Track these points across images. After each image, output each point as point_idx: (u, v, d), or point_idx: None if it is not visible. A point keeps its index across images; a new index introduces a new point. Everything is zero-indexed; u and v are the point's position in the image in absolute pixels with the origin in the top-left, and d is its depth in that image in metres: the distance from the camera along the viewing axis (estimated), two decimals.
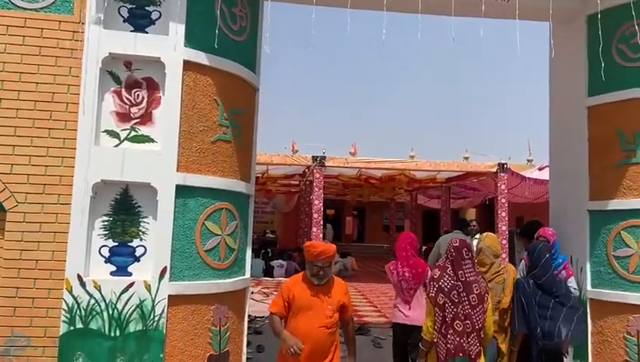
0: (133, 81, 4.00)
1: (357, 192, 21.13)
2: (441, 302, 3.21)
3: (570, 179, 5.18)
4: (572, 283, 4.45)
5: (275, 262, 14.15)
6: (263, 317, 7.95)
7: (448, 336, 3.14)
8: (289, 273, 14.20)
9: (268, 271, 13.98)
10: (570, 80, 5.25)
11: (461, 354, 3.09)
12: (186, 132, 4.00)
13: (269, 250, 16.37)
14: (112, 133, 3.93)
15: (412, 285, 4.25)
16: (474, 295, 3.17)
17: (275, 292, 11.30)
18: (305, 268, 3.55)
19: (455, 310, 3.16)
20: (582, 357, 4.81)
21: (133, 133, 3.97)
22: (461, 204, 22.03)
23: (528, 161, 21.74)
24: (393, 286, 4.46)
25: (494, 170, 12.87)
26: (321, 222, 13.15)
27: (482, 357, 3.25)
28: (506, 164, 12.91)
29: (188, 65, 4.01)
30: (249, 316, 7.97)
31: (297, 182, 19.11)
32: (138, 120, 3.98)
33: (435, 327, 3.23)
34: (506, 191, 12.75)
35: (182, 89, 3.99)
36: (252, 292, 10.95)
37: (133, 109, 3.99)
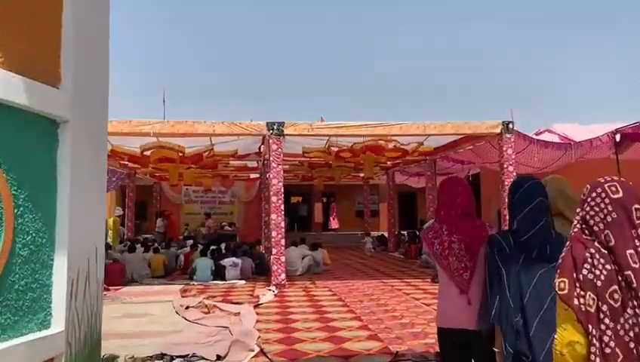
0: None
1: (326, 174, 18.27)
2: (592, 309, 1.51)
3: None
4: None
5: (226, 261, 11.11)
6: (188, 356, 4.94)
7: None
8: (245, 273, 11.27)
9: (218, 272, 11.04)
10: None
11: None
12: None
13: (221, 246, 13.40)
14: None
15: (467, 262, 2.61)
16: None
17: (225, 302, 8.31)
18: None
19: (620, 320, 1.50)
20: None
21: None
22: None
23: None
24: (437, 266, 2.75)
25: (498, 130, 10.20)
26: (282, 207, 10.25)
27: None
28: (512, 122, 10.29)
29: None
30: (162, 354, 5.05)
31: (256, 164, 16.24)
32: None
33: (591, 356, 1.50)
34: (513, 157, 10.13)
35: None
36: (186, 307, 7.90)
37: None
